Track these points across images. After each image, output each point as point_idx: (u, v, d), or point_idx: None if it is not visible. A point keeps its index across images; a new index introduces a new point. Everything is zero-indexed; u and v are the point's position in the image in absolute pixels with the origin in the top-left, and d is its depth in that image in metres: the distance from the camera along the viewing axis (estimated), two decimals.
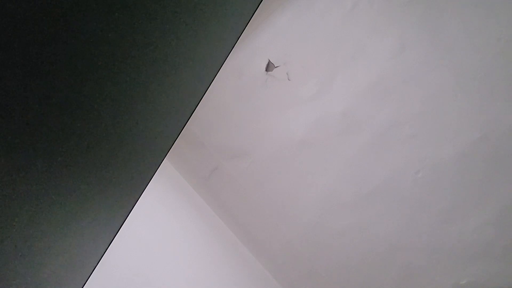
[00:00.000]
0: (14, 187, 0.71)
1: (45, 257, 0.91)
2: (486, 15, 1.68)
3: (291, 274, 2.43)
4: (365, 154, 2.04)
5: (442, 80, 1.81)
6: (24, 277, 0.88)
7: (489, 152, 1.80)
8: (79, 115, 0.77)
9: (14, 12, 0.55)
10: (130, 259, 1.87)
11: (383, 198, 2.05)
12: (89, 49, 0.70)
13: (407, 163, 1.96)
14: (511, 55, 1.68)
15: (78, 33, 0.66)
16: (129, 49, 0.79)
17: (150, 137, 1.05)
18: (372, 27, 1.87)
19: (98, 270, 1.24)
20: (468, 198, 1.88)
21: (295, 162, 2.22)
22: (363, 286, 2.24)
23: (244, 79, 2.21)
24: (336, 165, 2.12)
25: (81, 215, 0.96)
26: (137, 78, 0.86)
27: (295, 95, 2.11)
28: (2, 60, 0.57)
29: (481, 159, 1.82)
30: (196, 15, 0.92)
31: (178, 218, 2.35)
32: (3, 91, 0.60)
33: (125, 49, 0.78)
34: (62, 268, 1.02)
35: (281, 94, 2.14)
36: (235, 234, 2.53)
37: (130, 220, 1.30)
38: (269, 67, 2.14)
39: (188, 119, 1.17)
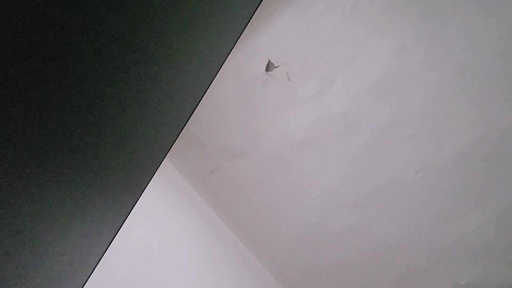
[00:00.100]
0: (12, 188, 0.71)
1: (45, 257, 0.91)
2: (486, 15, 1.68)
3: (291, 274, 2.43)
4: (365, 154, 2.04)
5: (442, 80, 1.81)
6: (24, 278, 0.88)
7: (489, 152, 1.80)
8: (79, 115, 0.77)
9: (14, 11, 0.55)
10: (130, 259, 1.87)
11: (383, 198, 2.05)
12: (88, 49, 0.70)
13: (407, 163, 1.96)
14: (511, 55, 1.68)
15: (78, 32, 0.66)
16: (129, 49, 0.79)
17: (150, 137, 1.05)
18: (372, 27, 1.87)
19: (98, 270, 1.24)
20: (468, 198, 1.88)
21: (295, 162, 2.22)
22: (363, 286, 2.24)
23: (244, 79, 2.21)
24: (336, 165, 2.12)
25: (81, 215, 0.96)
26: (137, 78, 0.86)
27: (295, 95, 2.11)
28: (2, 60, 0.57)
29: (481, 159, 1.82)
30: (196, 15, 0.92)
31: (178, 218, 2.35)
32: (2, 91, 0.60)
33: (125, 49, 0.79)
34: (62, 268, 1.02)
35: (281, 94, 2.14)
36: (235, 234, 2.53)
37: (130, 220, 1.30)
38: (269, 67, 2.14)
39: (188, 119, 1.17)
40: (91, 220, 1.01)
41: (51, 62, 0.65)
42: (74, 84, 0.72)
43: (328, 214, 2.21)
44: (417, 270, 2.07)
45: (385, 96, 1.93)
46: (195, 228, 2.38)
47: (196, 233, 2.37)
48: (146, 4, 0.76)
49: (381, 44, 1.87)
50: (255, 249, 2.50)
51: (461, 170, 1.86)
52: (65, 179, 0.83)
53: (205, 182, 2.52)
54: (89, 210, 0.98)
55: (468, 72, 1.76)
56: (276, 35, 2.07)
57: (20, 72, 0.61)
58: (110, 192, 1.02)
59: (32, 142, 0.70)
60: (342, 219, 2.18)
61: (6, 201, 0.71)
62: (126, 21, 0.74)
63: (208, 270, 2.25)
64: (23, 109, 0.64)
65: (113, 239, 1.18)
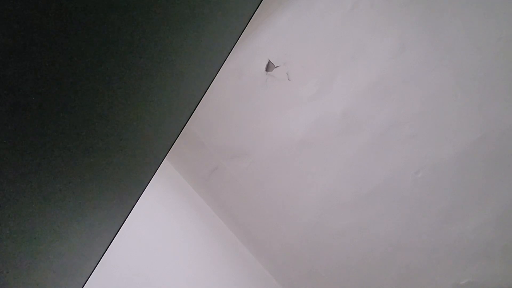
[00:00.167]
0: (12, 188, 0.71)
1: (45, 257, 0.91)
2: (486, 15, 1.68)
3: (291, 274, 2.43)
4: (365, 154, 2.04)
5: (442, 80, 1.81)
6: (24, 278, 0.88)
7: (489, 152, 1.80)
8: (79, 115, 0.77)
9: (14, 10, 0.55)
10: (130, 259, 1.87)
11: (383, 198, 2.05)
12: (88, 49, 0.70)
13: (407, 163, 1.96)
14: (511, 55, 1.68)
15: (77, 33, 0.66)
16: (129, 49, 0.79)
17: (150, 137, 1.05)
18: (372, 27, 1.87)
19: (98, 270, 1.24)
20: (468, 198, 1.88)
21: (295, 162, 2.22)
22: (363, 286, 2.24)
23: (244, 79, 2.21)
24: (336, 165, 2.12)
25: (81, 215, 0.96)
26: (137, 78, 0.86)
27: (295, 95, 2.11)
28: (2, 60, 0.57)
29: (481, 159, 1.82)
30: (196, 15, 0.92)
31: (178, 218, 2.35)
32: (2, 91, 0.60)
33: (125, 50, 0.78)
34: (62, 268, 1.02)
35: (281, 94, 2.14)
36: (235, 234, 2.53)
37: (130, 220, 1.30)
38: (269, 67, 2.14)
39: (188, 119, 1.17)
40: (91, 220, 1.01)
41: (50, 62, 0.65)
42: (73, 84, 0.72)
43: (328, 214, 2.21)
44: (417, 270, 2.07)
45: (385, 96, 1.93)
46: (195, 228, 2.38)
47: (196, 233, 2.37)
48: (145, 4, 0.76)
49: (381, 44, 1.87)
50: (255, 249, 2.50)
51: (461, 170, 1.86)
52: (65, 179, 0.83)
53: (205, 182, 2.52)
54: (89, 210, 0.98)
55: (468, 72, 1.76)
56: (276, 35, 2.07)
57: (20, 72, 0.61)
58: (110, 192, 1.02)
59: (31, 142, 0.70)
60: (342, 219, 2.18)
61: (6, 201, 0.71)
62: (125, 20, 0.74)
63: (208, 270, 2.25)
64: (23, 109, 0.64)
65: (113, 239, 1.18)
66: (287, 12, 2.02)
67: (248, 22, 1.19)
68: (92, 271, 1.20)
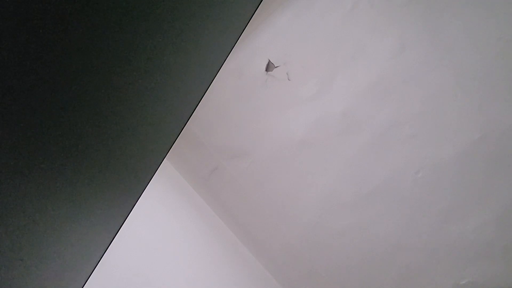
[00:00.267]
0: (11, 188, 0.71)
1: (44, 258, 0.91)
2: (486, 15, 1.68)
3: (291, 274, 2.43)
4: (365, 154, 2.04)
5: (442, 80, 1.81)
6: (24, 278, 0.88)
7: (489, 152, 1.80)
8: (79, 115, 0.77)
9: (15, 9, 0.55)
10: (130, 259, 1.87)
11: (383, 198, 2.05)
12: (88, 49, 0.70)
13: (407, 163, 1.96)
14: (511, 55, 1.68)
15: (77, 33, 0.66)
16: (129, 50, 0.79)
17: (150, 137, 1.05)
18: (372, 27, 1.87)
19: (98, 270, 1.24)
20: (468, 198, 1.88)
21: (295, 162, 2.22)
22: (363, 286, 2.24)
23: (244, 79, 2.21)
24: (336, 165, 2.12)
25: (81, 215, 0.96)
26: (137, 78, 0.86)
27: (295, 95, 2.11)
28: (2, 60, 0.57)
29: (481, 159, 1.82)
30: (196, 15, 0.92)
31: (178, 218, 2.35)
32: (3, 91, 0.60)
33: (124, 50, 0.79)
34: (62, 268, 1.02)
35: (281, 94, 2.14)
36: (235, 234, 2.53)
37: (130, 220, 1.30)
38: (269, 67, 2.14)
39: (188, 119, 1.17)
40: (91, 220, 1.01)
41: (51, 61, 0.65)
42: (73, 83, 0.72)
43: (328, 214, 2.21)
44: (417, 270, 2.07)
45: (385, 96, 1.93)
46: (195, 228, 2.38)
47: (196, 233, 2.37)
48: (145, 4, 0.76)
49: (381, 44, 1.87)
50: (255, 249, 2.50)
51: (461, 170, 1.86)
52: (64, 180, 0.83)
53: (205, 182, 2.52)
54: (89, 210, 0.98)
55: (468, 72, 1.76)
56: (276, 35, 2.07)
57: (20, 72, 0.61)
58: (110, 192, 1.02)
59: (31, 141, 0.70)
60: (342, 219, 2.18)
61: (6, 202, 0.71)
62: (125, 20, 0.74)
63: (208, 270, 2.25)
64: (22, 110, 0.64)
65: (113, 239, 1.18)
66: (287, 12, 2.02)
67: (248, 22, 1.19)
68: (92, 271, 1.20)
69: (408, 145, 1.94)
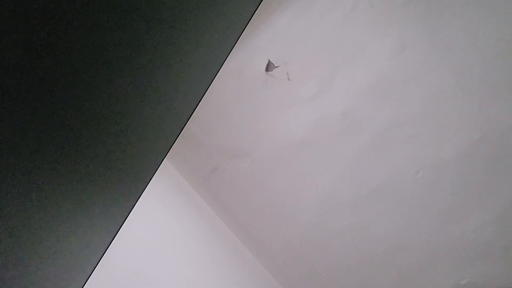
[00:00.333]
0: (10, 188, 0.71)
1: (44, 258, 0.91)
2: (486, 15, 1.68)
3: (291, 274, 2.43)
4: (365, 154, 2.04)
5: (442, 80, 1.81)
6: (24, 278, 0.88)
7: (489, 152, 1.80)
8: (78, 115, 0.77)
9: (15, 13, 0.55)
10: (130, 259, 1.87)
11: (383, 198, 2.05)
12: (88, 50, 0.70)
13: (407, 163, 1.96)
14: (511, 55, 1.68)
15: (78, 34, 0.66)
16: (129, 50, 0.79)
17: (150, 137, 1.05)
18: (372, 27, 1.87)
19: (98, 270, 1.24)
20: (468, 198, 1.88)
21: (295, 162, 2.22)
22: (363, 286, 2.24)
23: (244, 79, 2.21)
24: (336, 165, 2.12)
25: (81, 215, 0.96)
26: (137, 78, 0.86)
27: (295, 95, 2.11)
28: (2, 59, 0.57)
29: (481, 159, 1.82)
30: (196, 15, 0.92)
31: (178, 218, 2.35)
32: (3, 91, 0.60)
33: (125, 50, 0.78)
34: (62, 268, 1.02)
35: (281, 94, 2.14)
36: (235, 234, 2.53)
37: (130, 220, 1.30)
38: (269, 67, 2.14)
39: (188, 119, 1.17)
40: (91, 220, 1.01)
41: (51, 61, 0.65)
42: (72, 83, 0.72)
43: (328, 214, 2.21)
44: (417, 270, 2.07)
45: (385, 96, 1.93)
46: (195, 228, 2.38)
47: (196, 233, 2.37)
48: (145, 4, 0.76)
49: (381, 44, 1.87)
50: (255, 249, 2.50)
51: (461, 170, 1.86)
52: (64, 180, 0.83)
53: (205, 182, 2.52)
54: (88, 210, 0.98)
55: (468, 72, 1.76)
56: (276, 35, 2.07)
57: (19, 73, 0.61)
58: (110, 192, 1.02)
59: (31, 141, 0.70)
60: (342, 219, 2.18)
61: (6, 202, 0.71)
62: (125, 21, 0.74)
63: (208, 270, 2.25)
64: (22, 110, 0.64)
65: (113, 239, 1.18)
66: (287, 12, 2.02)
67: (248, 22, 1.19)
68: (92, 271, 1.20)
69: (408, 145, 1.94)
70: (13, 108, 0.63)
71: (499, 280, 1.91)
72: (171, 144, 1.15)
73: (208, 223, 2.47)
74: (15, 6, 0.54)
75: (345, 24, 1.91)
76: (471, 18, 1.70)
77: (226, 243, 2.48)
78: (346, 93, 2.00)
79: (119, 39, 0.75)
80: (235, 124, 2.31)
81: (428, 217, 1.97)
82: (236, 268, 2.40)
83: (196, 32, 0.96)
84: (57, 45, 0.64)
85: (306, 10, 1.97)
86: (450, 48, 1.76)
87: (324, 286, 2.35)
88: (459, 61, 1.76)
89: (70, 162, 0.82)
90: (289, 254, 2.40)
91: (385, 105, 1.94)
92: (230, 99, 2.28)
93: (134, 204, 1.15)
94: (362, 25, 1.88)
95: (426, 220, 1.98)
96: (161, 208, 2.28)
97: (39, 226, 0.82)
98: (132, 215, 1.22)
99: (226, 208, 2.51)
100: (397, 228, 2.06)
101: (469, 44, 1.73)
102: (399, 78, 1.88)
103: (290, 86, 2.11)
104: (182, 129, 1.16)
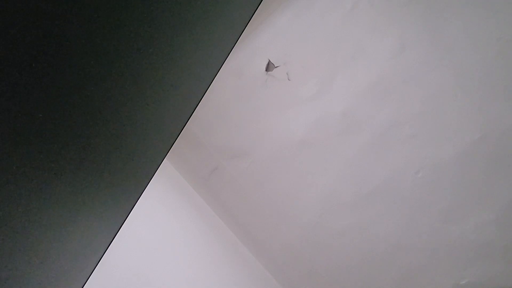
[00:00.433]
0: (12, 188, 0.71)
1: (45, 257, 0.91)
2: (486, 15, 1.68)
3: (291, 274, 2.43)
4: (365, 154, 2.04)
5: (442, 80, 1.81)
6: (24, 278, 0.88)
7: (489, 152, 1.80)
8: (79, 115, 0.77)
9: (16, 10, 0.55)
10: (130, 259, 1.87)
11: (383, 198, 2.05)
12: (88, 50, 0.70)
13: (407, 163, 1.96)
14: (511, 55, 1.68)
15: (77, 34, 0.66)
16: (129, 50, 0.79)
17: (150, 137, 1.05)
18: (372, 27, 1.87)
19: (98, 270, 1.24)
20: (468, 198, 1.88)
21: (295, 162, 2.22)
22: (363, 286, 2.24)
23: (244, 79, 2.21)
24: (336, 165, 2.12)
25: (81, 215, 0.96)
26: (137, 78, 0.86)
27: (295, 95, 2.11)
28: (3, 59, 0.57)
29: (481, 159, 1.82)
30: (196, 15, 0.92)
31: (178, 218, 2.35)
32: (3, 91, 0.60)
33: (125, 50, 0.78)
34: (62, 268, 1.02)
35: (281, 94, 2.14)
36: (235, 234, 2.53)
37: (130, 220, 1.30)
38: (269, 67, 2.14)
39: (188, 119, 1.17)
40: (91, 220, 1.01)
41: (51, 61, 0.65)
42: (72, 83, 0.72)
43: (328, 214, 2.21)
44: (417, 270, 2.07)
45: (385, 96, 1.93)
46: (195, 228, 2.38)
47: (196, 233, 2.37)
48: (146, 4, 0.76)
49: (381, 44, 1.87)
50: (255, 249, 2.50)
51: (461, 170, 1.86)
52: (64, 180, 0.83)
53: (205, 182, 2.52)
54: (89, 210, 0.98)
55: (468, 72, 1.76)
56: (276, 35, 2.07)
57: (20, 73, 0.61)
58: (110, 192, 1.02)
59: (31, 142, 0.70)
60: (342, 219, 2.18)
61: (6, 202, 0.71)
62: (126, 22, 0.74)
63: (208, 270, 2.25)
64: (23, 110, 0.64)
65: (113, 239, 1.18)
66: (287, 12, 2.02)
67: (248, 22, 1.19)
68: (92, 271, 1.20)
69: (408, 145, 1.94)
70: (13, 108, 0.62)
71: (499, 280, 1.91)
72: (171, 144, 1.15)
73: (208, 223, 2.47)
74: (15, 6, 0.54)
75: (345, 24, 1.91)
76: (471, 18, 1.70)
77: (226, 243, 2.48)
78: (346, 93, 2.00)
79: (120, 41, 0.75)
80: (235, 124, 2.31)
81: (428, 217, 1.97)
82: (236, 268, 2.40)
83: (196, 32, 0.96)
84: (59, 46, 0.64)
85: (306, 10, 1.97)
86: (450, 48, 1.76)
87: (324, 286, 2.35)
88: (459, 61, 1.76)
89: (70, 162, 0.82)
90: (289, 254, 2.39)
91: (385, 105, 1.94)
92: (230, 99, 2.28)
93: (134, 204, 1.15)
94: (362, 25, 1.88)
95: (426, 220, 1.98)
96: (161, 208, 2.28)
97: (39, 226, 0.82)
98: (132, 215, 1.22)
99: (226, 208, 2.51)
100: (397, 228, 2.05)
101: (469, 44, 1.73)
102: (399, 78, 1.88)
103: (290, 86, 2.11)
104: (182, 129, 1.16)
